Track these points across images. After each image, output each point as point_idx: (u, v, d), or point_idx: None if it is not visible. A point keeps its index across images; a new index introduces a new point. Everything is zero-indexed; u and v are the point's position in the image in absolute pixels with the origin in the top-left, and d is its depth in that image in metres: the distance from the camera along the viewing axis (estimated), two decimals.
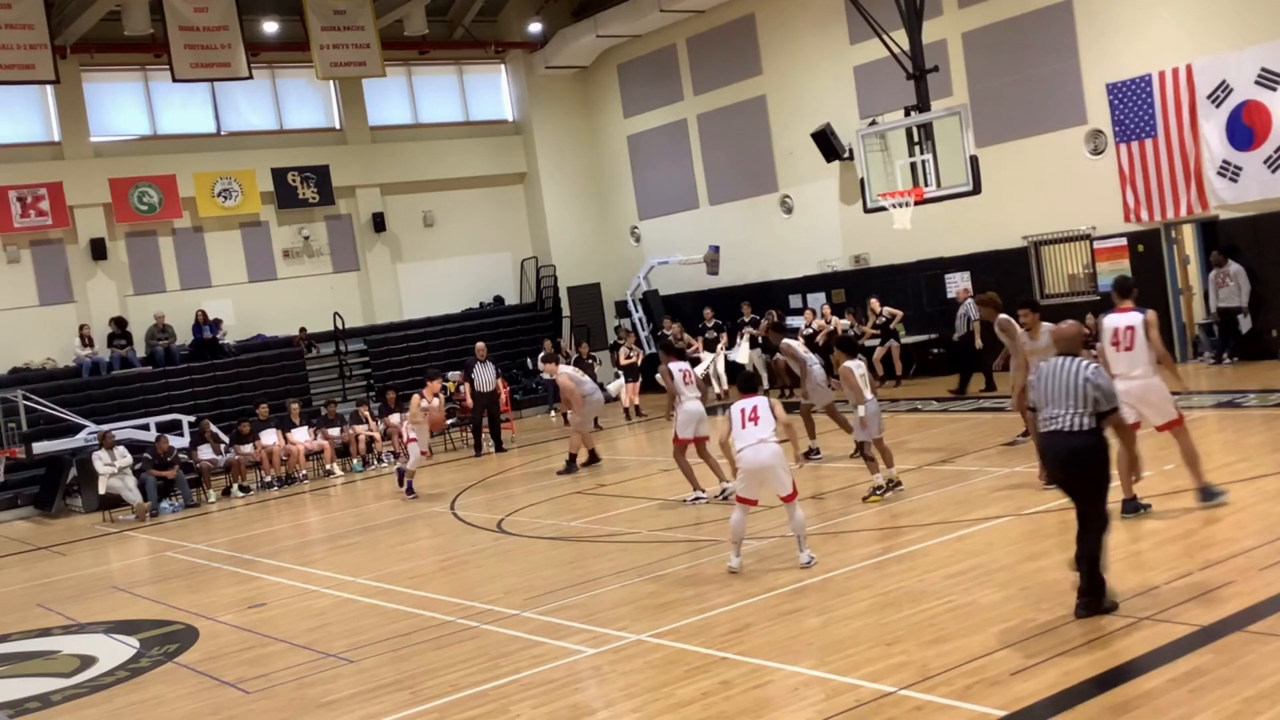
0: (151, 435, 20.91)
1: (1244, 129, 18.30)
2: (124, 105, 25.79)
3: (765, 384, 22.35)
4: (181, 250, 25.90)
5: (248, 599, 11.80)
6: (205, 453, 20.76)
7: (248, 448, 20.96)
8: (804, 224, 25.53)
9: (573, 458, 17.31)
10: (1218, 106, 18.59)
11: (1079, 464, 7.48)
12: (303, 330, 25.87)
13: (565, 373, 18.07)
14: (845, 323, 22.46)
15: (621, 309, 28.88)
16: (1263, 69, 17.98)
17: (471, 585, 10.98)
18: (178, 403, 23.45)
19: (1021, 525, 10.24)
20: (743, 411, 10.13)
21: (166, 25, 22.47)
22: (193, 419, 21.81)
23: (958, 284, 21.74)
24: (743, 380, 11.17)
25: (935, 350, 21.17)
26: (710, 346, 24.06)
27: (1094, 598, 7.46)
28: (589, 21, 27.80)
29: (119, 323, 24.42)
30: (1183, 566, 8.29)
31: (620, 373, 24.15)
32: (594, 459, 17.44)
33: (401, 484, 17.48)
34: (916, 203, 17.25)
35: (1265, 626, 6.91)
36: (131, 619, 11.60)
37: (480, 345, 22.06)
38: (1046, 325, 11.48)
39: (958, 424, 16.75)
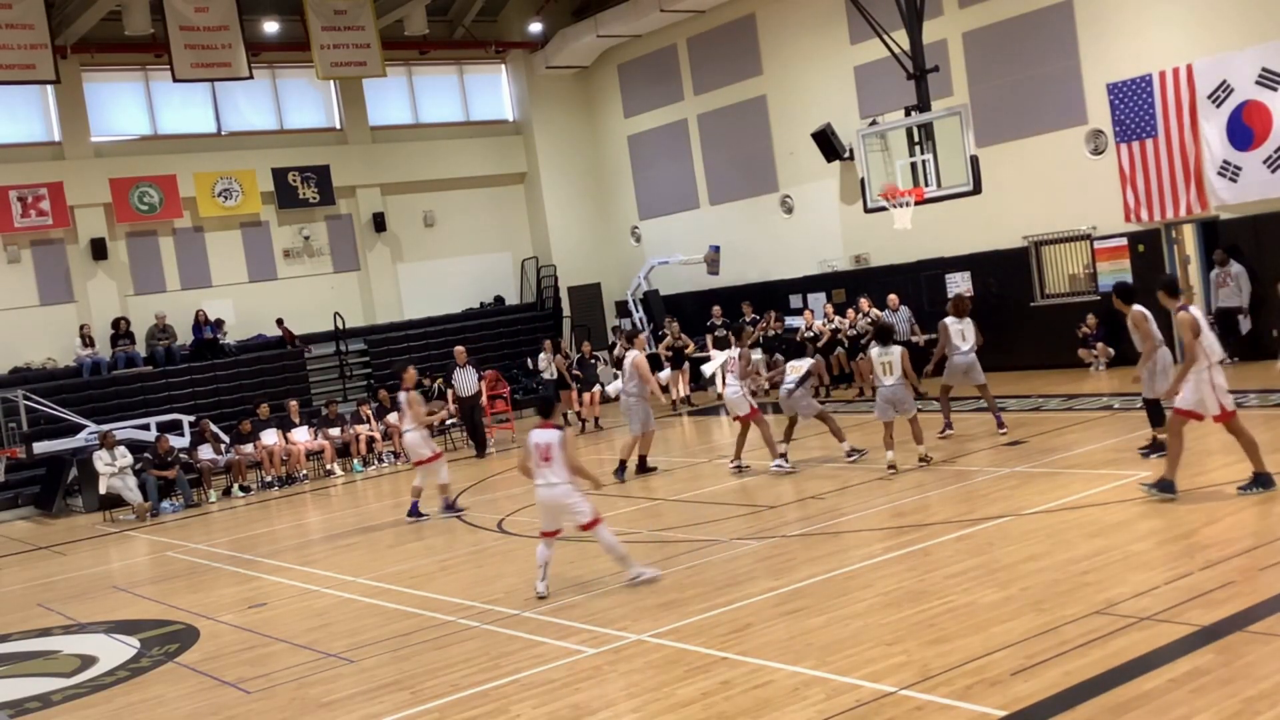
0: (152, 435, 20.92)
1: (1244, 129, 18.30)
2: (124, 105, 25.81)
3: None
4: (182, 250, 25.91)
5: (248, 599, 11.80)
6: (206, 453, 20.77)
7: (248, 447, 20.97)
8: (804, 224, 25.53)
9: (623, 463, 16.03)
10: (1218, 106, 18.59)
11: None
12: (278, 321, 25.69)
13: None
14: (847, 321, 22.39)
15: (622, 309, 28.89)
16: (1263, 69, 17.98)
17: (472, 585, 10.98)
18: (178, 403, 23.46)
19: (1021, 525, 10.23)
20: (537, 446, 9.88)
21: (167, 25, 22.49)
22: (193, 419, 21.82)
23: (964, 284, 21.76)
24: (540, 405, 10.82)
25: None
26: (721, 345, 24.00)
27: None
28: (589, 21, 27.81)
29: (122, 323, 24.43)
30: (1183, 566, 8.29)
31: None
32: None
33: (414, 512, 15.03)
34: (917, 203, 17.25)
35: (1265, 626, 6.91)
36: (132, 619, 11.61)
37: (460, 349, 21.67)
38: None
39: (958, 424, 16.73)
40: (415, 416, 15.21)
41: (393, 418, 22.41)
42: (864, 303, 22.28)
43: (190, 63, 22.78)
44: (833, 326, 22.56)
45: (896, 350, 13.79)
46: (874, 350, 14.00)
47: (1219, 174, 18.72)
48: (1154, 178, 19.55)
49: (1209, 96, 18.68)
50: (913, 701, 6.49)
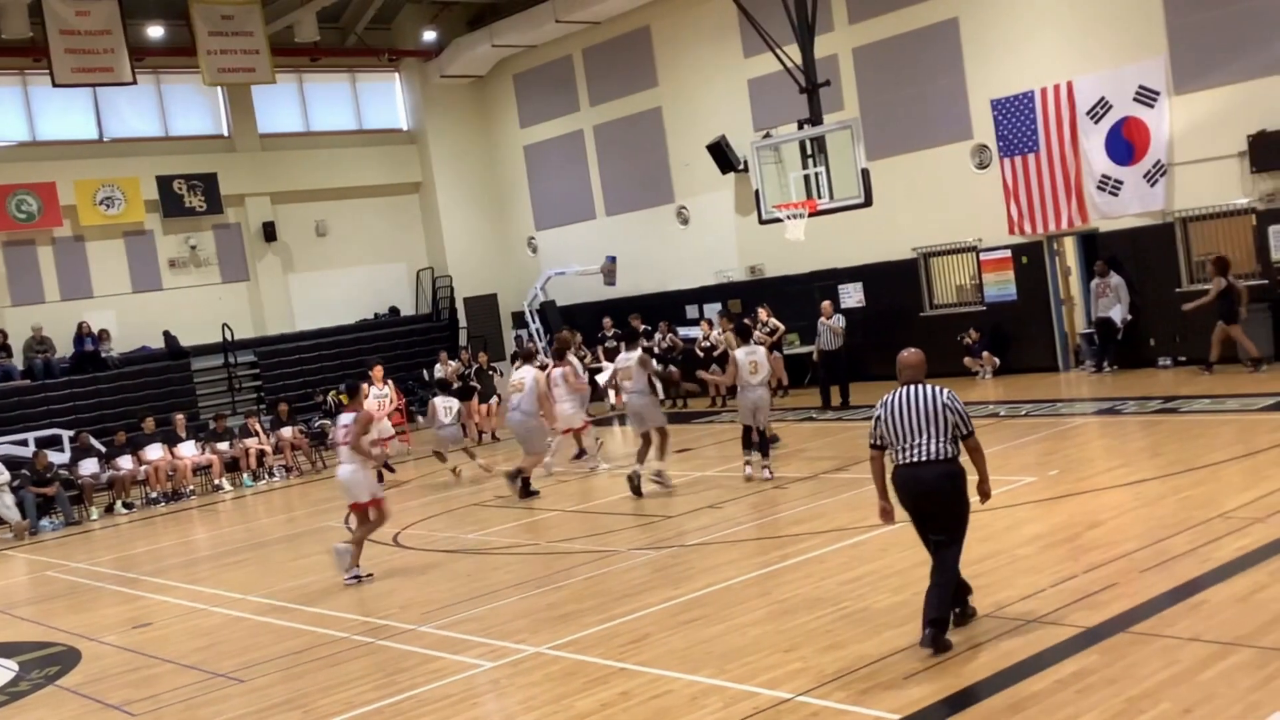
0: (30, 451, 20.22)
1: (1124, 144, 18.93)
2: (1, 110, 24.93)
3: (660, 394, 22.39)
4: (62, 260, 25.11)
5: (132, 619, 11.46)
6: (87, 468, 20.12)
7: (125, 460, 20.33)
8: (700, 235, 25.72)
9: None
10: (1097, 123, 19.19)
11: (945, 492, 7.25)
12: (103, 333, 24.85)
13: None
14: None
15: (519, 320, 28.77)
16: (1140, 86, 18.62)
17: (366, 600, 10.81)
18: (58, 417, 22.73)
19: (913, 531, 10.39)
20: (343, 428, 11.69)
21: (46, 29, 21.80)
22: (73, 433, 21.15)
23: (857, 294, 22.09)
24: (349, 388, 12.49)
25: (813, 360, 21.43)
26: (611, 356, 24.05)
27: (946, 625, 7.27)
28: (484, 31, 27.68)
29: None
30: (1067, 570, 8.51)
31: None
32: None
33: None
34: (810, 214, 17.47)
35: (1148, 627, 7.12)
36: (10, 641, 11.19)
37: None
38: None
39: (851, 432, 17.00)
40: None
41: (286, 432, 22.01)
42: (762, 312, 22.48)
43: (71, 67, 22.09)
44: (722, 337, 22.73)
45: (761, 350, 14.10)
46: (740, 351, 14.06)
47: (1099, 188, 19.33)
48: (1036, 191, 20.11)
49: (1088, 113, 19.28)
50: (809, 708, 6.56)
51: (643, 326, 24.36)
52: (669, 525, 12.19)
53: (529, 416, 15.33)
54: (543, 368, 16.60)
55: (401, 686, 7.99)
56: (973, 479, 7.40)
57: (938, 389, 7.35)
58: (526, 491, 15.11)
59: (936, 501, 7.25)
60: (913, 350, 7.63)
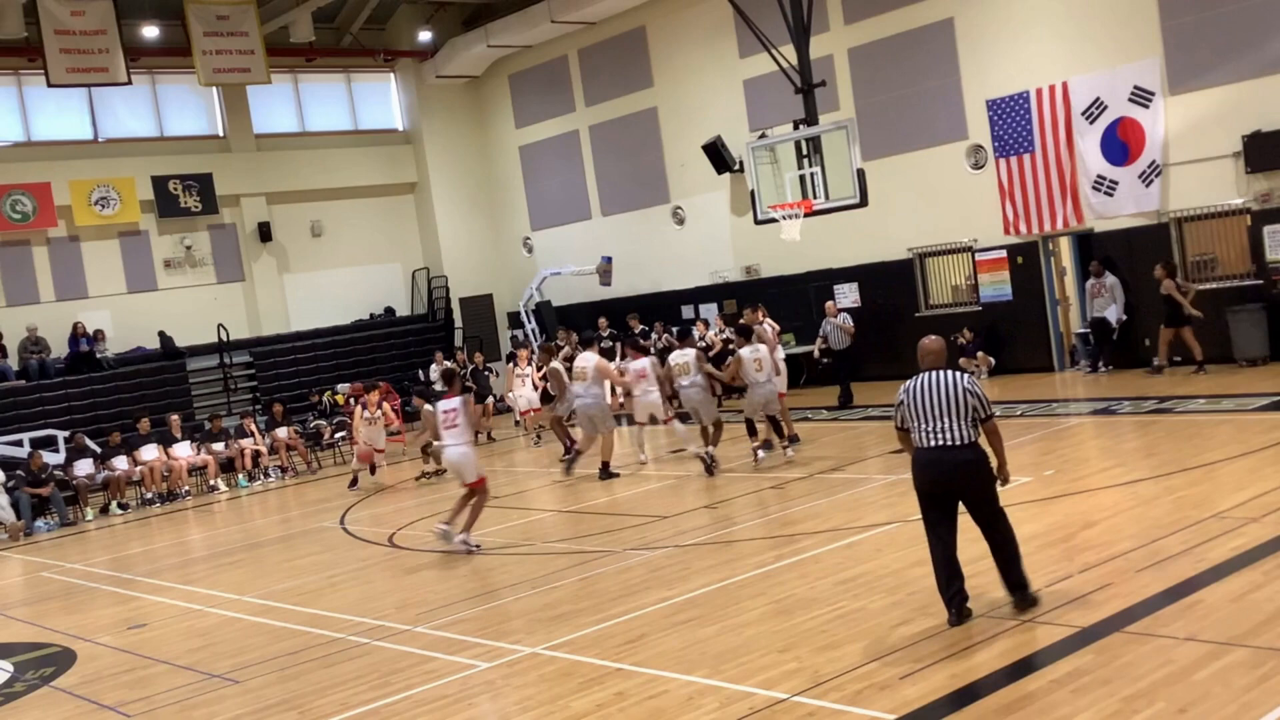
0: (25, 451, 20.20)
1: (1119, 144, 18.95)
2: None
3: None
4: (57, 260, 25.06)
5: (127, 619, 11.45)
6: (82, 469, 20.10)
7: (120, 460, 20.30)
8: (696, 235, 25.72)
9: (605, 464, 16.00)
10: (1092, 123, 19.22)
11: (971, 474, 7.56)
12: (99, 333, 24.82)
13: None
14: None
15: (514, 320, 28.76)
16: (1135, 87, 18.64)
17: (362, 601, 10.80)
18: (53, 418, 22.70)
19: (909, 531, 10.42)
20: (445, 414, 12.25)
21: (41, 29, 21.75)
22: (68, 434, 21.12)
23: (853, 294, 22.12)
24: (446, 376, 13.19)
25: (825, 360, 21.47)
26: (607, 356, 24.05)
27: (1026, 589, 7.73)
28: (480, 31, 27.67)
29: None
30: (1062, 570, 8.52)
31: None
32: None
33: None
34: (806, 214, 17.49)
35: (1142, 627, 7.13)
36: (5, 642, 11.18)
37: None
38: None
39: (847, 432, 17.02)
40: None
41: (281, 432, 22.00)
42: (757, 313, 22.45)
43: (66, 67, 22.05)
44: (724, 336, 22.75)
45: (764, 348, 14.95)
46: (744, 350, 14.90)
47: (1094, 188, 19.35)
48: (1031, 192, 20.13)
49: (1084, 113, 19.30)
50: (805, 708, 6.56)
51: (639, 327, 24.40)
52: (664, 526, 12.19)
53: (598, 399, 16.00)
54: (604, 353, 17.28)
55: (397, 687, 7.99)
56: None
57: (958, 374, 7.68)
58: (607, 473, 15.70)
59: (964, 484, 7.55)
60: (934, 337, 7.98)
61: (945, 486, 7.57)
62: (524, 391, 21.61)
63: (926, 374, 7.70)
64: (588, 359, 16.37)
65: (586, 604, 9.44)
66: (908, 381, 7.77)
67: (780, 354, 16.49)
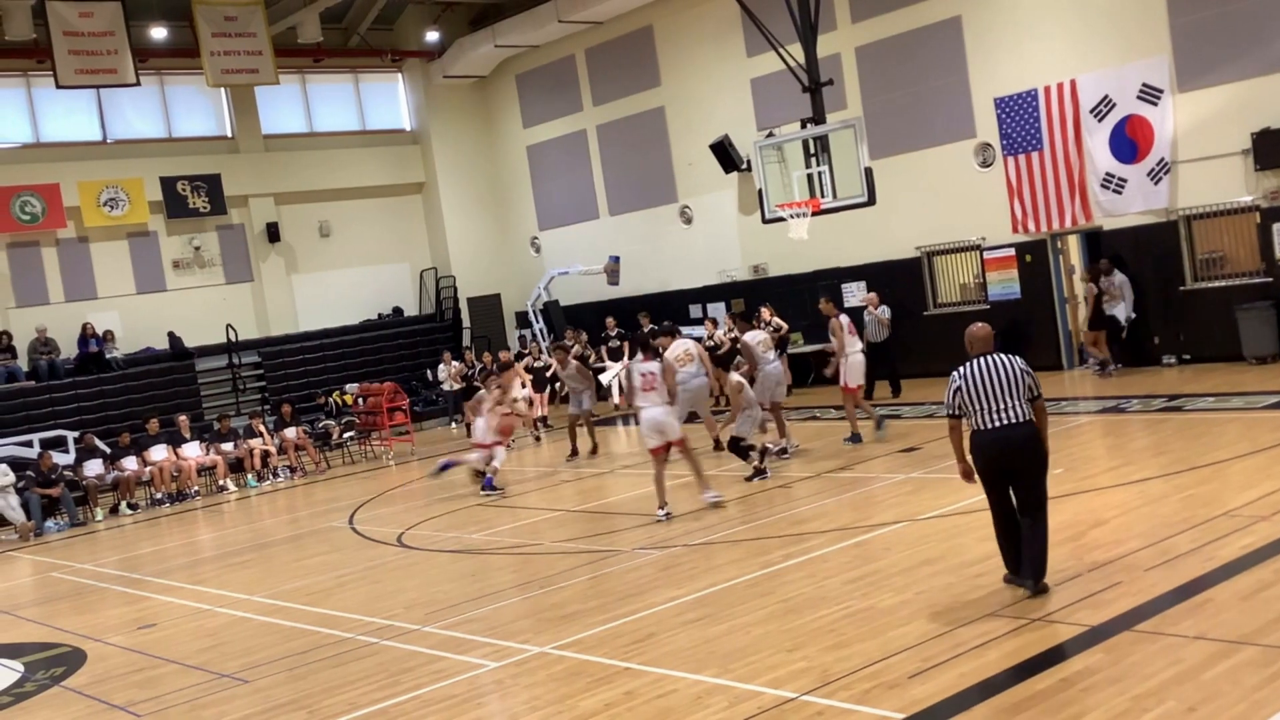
0: (35, 452, 20.25)
1: (1128, 142, 18.90)
2: (5, 111, 24.96)
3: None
4: (66, 261, 25.14)
5: (137, 619, 11.48)
6: (92, 469, 20.15)
7: (130, 461, 20.35)
8: (703, 234, 25.71)
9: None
10: (1100, 121, 19.17)
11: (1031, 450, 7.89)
12: (108, 334, 24.79)
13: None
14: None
15: (522, 320, 28.78)
16: (1144, 84, 18.59)
17: (371, 601, 10.82)
18: (62, 418, 22.77)
19: (916, 530, 10.42)
20: (644, 376, 12.54)
21: (50, 31, 21.83)
22: (77, 434, 21.16)
23: (860, 293, 22.09)
24: (642, 341, 13.55)
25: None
26: (615, 356, 24.09)
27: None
28: (487, 31, 27.69)
29: (4, 337, 23.63)
30: (1071, 568, 8.50)
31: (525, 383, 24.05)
32: (717, 446, 16.13)
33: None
34: (814, 213, 17.47)
35: (1151, 626, 7.11)
36: (15, 642, 11.21)
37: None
38: None
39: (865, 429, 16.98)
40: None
41: (290, 432, 22.02)
42: (765, 311, 22.46)
43: (74, 69, 22.13)
44: (732, 335, 22.73)
45: (765, 334, 15.42)
46: (748, 335, 15.20)
47: (1103, 186, 19.30)
48: (1040, 190, 20.09)
49: (1092, 111, 19.25)
50: (813, 707, 6.56)
51: (649, 325, 24.37)
52: (672, 525, 12.19)
53: (704, 383, 15.73)
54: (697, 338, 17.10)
55: (406, 687, 8.00)
56: None
57: (1011, 357, 7.96)
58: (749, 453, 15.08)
59: (1028, 459, 7.84)
60: (981, 324, 8.25)
61: (1012, 462, 7.85)
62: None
63: (979, 359, 7.96)
64: (681, 345, 15.62)
65: (595, 603, 9.45)
66: (960, 369, 8.00)
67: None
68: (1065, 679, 6.44)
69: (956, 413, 8.02)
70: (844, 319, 15.83)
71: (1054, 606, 7.66)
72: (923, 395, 19.30)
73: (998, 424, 7.82)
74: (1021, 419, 7.81)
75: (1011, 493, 8.00)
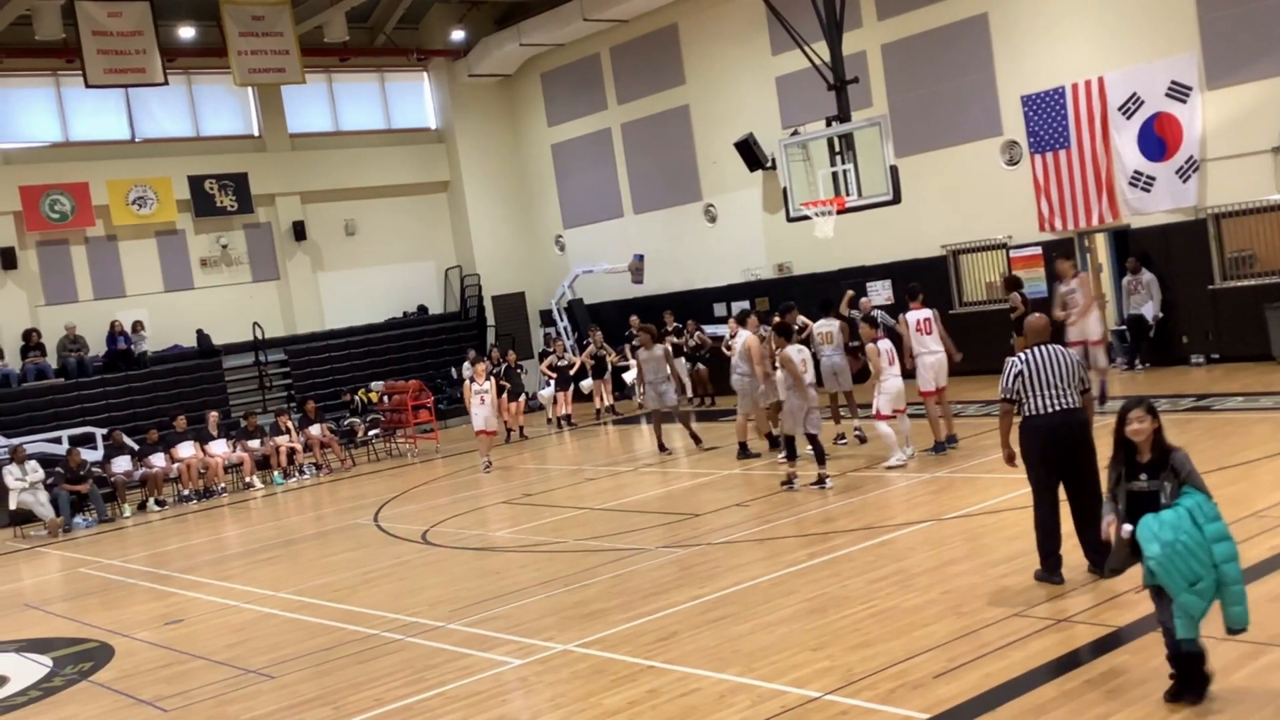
0: (64, 449, 20.43)
1: (1156, 140, 18.77)
2: (35, 111, 25.17)
3: (689, 392, 22.47)
4: (95, 259, 25.33)
5: (164, 615, 11.57)
6: (120, 466, 20.31)
7: (158, 457, 20.50)
8: (728, 233, 25.68)
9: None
10: (1129, 118, 19.04)
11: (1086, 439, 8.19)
12: (137, 324, 25.00)
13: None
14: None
15: (547, 318, 28.82)
16: (1173, 81, 18.45)
17: (396, 598, 10.86)
18: (91, 415, 22.94)
19: (942, 530, 10.38)
20: (921, 321, 13.84)
21: (79, 30, 21.98)
22: (105, 431, 21.33)
23: (885, 291, 22.03)
24: (911, 291, 14.29)
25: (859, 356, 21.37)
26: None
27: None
28: (512, 30, 27.73)
29: (34, 334, 23.84)
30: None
31: (550, 381, 24.13)
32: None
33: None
34: (839, 212, 17.41)
35: None
36: (44, 637, 11.32)
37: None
38: None
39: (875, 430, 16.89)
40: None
41: (315, 430, 22.15)
42: (865, 302, 22.30)
43: (103, 68, 22.26)
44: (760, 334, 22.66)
45: (806, 350, 14.07)
46: (790, 349, 14.18)
47: (1131, 184, 19.16)
48: (1067, 188, 19.97)
49: (1120, 108, 19.12)
50: (837, 706, 6.55)
51: (673, 324, 24.37)
52: (696, 523, 12.19)
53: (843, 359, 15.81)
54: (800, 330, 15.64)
55: (430, 683, 8.03)
56: None
57: (1065, 348, 8.45)
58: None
59: (1083, 442, 8.20)
60: (1039, 315, 8.87)
61: (1068, 446, 8.15)
62: (482, 410, 18.86)
63: (1038, 347, 8.37)
64: (829, 323, 15.65)
65: (618, 601, 9.46)
66: (1021, 354, 8.39)
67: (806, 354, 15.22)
68: (1090, 680, 6.41)
69: (1014, 397, 8.33)
70: (911, 316, 14.28)
71: (1080, 607, 7.61)
72: (949, 394, 19.19)
73: (1055, 408, 8.14)
74: (1076, 405, 8.18)
75: (1063, 488, 8.21)
